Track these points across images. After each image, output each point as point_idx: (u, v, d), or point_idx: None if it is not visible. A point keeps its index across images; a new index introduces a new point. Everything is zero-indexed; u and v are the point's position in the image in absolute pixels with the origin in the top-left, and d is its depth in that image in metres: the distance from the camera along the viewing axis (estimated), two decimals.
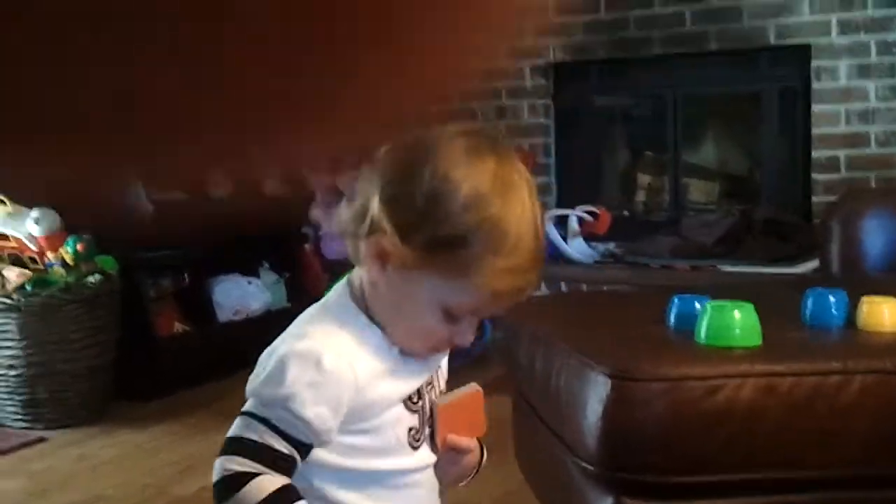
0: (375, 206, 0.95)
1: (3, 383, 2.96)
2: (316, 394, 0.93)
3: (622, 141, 4.34)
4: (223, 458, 0.93)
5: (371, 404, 0.97)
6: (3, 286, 2.95)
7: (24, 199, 3.15)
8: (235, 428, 0.95)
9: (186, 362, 3.29)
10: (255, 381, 0.96)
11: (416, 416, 1.02)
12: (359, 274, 1.02)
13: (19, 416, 2.98)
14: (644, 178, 4.20)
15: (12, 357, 2.93)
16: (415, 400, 1.02)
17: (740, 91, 4.05)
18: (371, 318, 1.00)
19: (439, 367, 1.08)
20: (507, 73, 4.17)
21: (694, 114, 4.08)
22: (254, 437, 0.93)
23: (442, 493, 1.09)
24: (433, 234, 0.93)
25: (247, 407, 0.96)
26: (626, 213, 4.12)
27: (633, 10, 3.90)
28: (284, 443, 0.93)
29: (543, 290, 3.82)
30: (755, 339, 1.56)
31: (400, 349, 1.00)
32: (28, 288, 2.96)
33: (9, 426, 2.98)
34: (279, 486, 0.92)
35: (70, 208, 3.16)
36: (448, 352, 1.10)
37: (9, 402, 2.98)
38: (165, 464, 2.60)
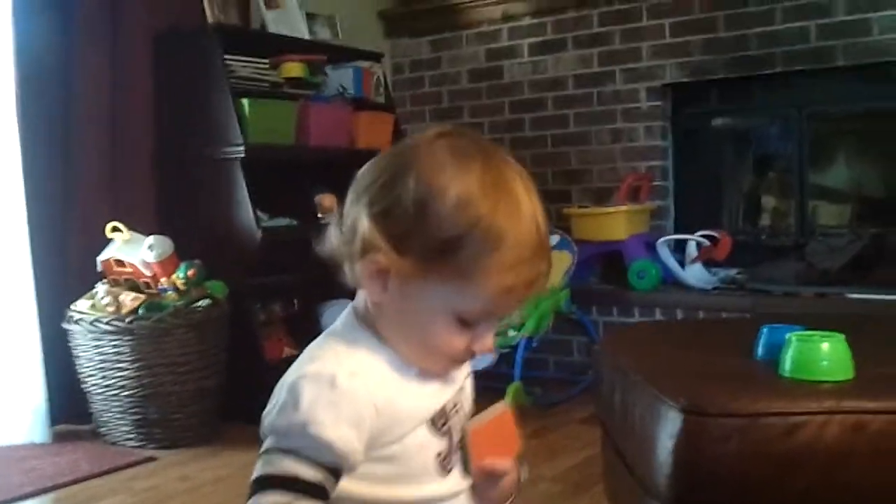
0: (365, 223, 0.92)
1: (116, 403, 3.07)
2: (335, 414, 0.89)
3: (744, 163, 4.16)
4: (251, 500, 0.89)
5: (393, 425, 0.93)
6: (119, 310, 3.06)
7: (140, 226, 3.27)
8: (257, 470, 0.91)
9: None
10: (268, 416, 0.92)
11: (444, 440, 0.97)
12: (361, 297, 0.98)
13: (131, 436, 3.08)
14: (768, 201, 4.01)
15: (125, 378, 3.03)
16: (441, 423, 0.97)
17: (872, 107, 3.80)
18: (381, 339, 0.96)
19: (463, 388, 1.03)
20: (622, 95, 4.07)
21: (821, 133, 3.87)
22: (277, 472, 0.89)
23: None
24: (427, 241, 0.90)
25: (265, 445, 0.91)
26: (748, 237, 3.93)
27: (754, 28, 3.73)
28: (312, 471, 0.88)
29: (659, 316, 3.69)
30: (845, 372, 1.44)
31: (419, 368, 0.96)
32: (141, 312, 3.06)
33: (121, 444, 3.09)
34: None
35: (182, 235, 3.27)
36: (471, 372, 1.06)
37: (121, 422, 3.08)
38: None
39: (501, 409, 1.03)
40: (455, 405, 1.00)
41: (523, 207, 0.91)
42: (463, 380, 1.03)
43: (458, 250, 0.89)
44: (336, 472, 0.90)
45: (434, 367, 0.97)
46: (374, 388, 0.92)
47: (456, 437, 0.99)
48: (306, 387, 0.90)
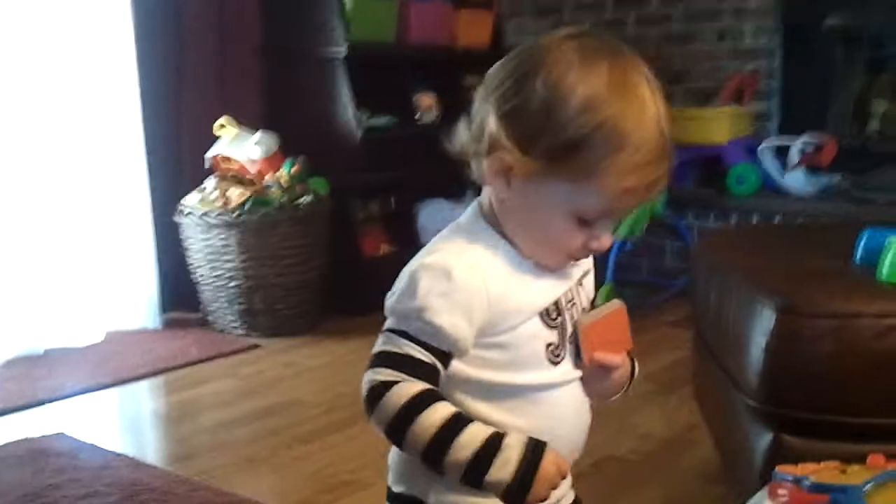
0: (492, 123, 0.95)
1: (223, 293, 3.22)
2: (448, 303, 0.94)
3: (856, 64, 3.98)
4: (368, 371, 0.97)
5: (505, 316, 0.98)
6: (226, 204, 3.18)
7: (247, 123, 3.36)
8: (378, 344, 0.98)
9: (390, 281, 3.42)
10: (390, 298, 0.99)
11: (554, 331, 1.01)
12: (486, 193, 1.02)
13: (237, 324, 3.24)
14: (879, 105, 3.85)
15: (232, 269, 3.17)
16: (553, 316, 1.01)
17: None
18: (502, 234, 1.00)
19: (581, 284, 1.06)
20: None
21: None
22: (394, 349, 0.96)
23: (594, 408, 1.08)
24: (553, 141, 0.92)
25: (386, 324, 0.99)
26: (854, 142, 3.81)
27: None
28: (424, 351, 0.95)
29: (755, 222, 3.64)
30: None
31: (535, 263, 1.00)
32: (247, 206, 3.17)
33: (228, 332, 3.25)
34: (420, 389, 0.94)
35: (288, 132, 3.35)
36: (592, 269, 1.09)
37: (228, 312, 3.24)
38: (361, 375, 2.74)
39: (617, 307, 1.06)
40: (570, 300, 1.04)
41: (648, 110, 0.93)
42: (580, 276, 1.06)
43: (582, 150, 0.91)
44: (447, 356, 0.96)
45: (550, 263, 1.01)
46: (490, 280, 0.96)
47: (569, 330, 1.03)
48: (424, 276, 0.96)
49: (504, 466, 0.92)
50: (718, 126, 3.75)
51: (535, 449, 0.93)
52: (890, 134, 3.84)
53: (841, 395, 1.37)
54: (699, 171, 3.94)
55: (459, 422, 0.93)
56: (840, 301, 1.40)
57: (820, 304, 1.40)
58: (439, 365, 0.96)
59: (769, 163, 3.70)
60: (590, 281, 1.09)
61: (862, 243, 1.62)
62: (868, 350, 1.35)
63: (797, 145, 3.66)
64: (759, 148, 3.72)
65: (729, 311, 1.61)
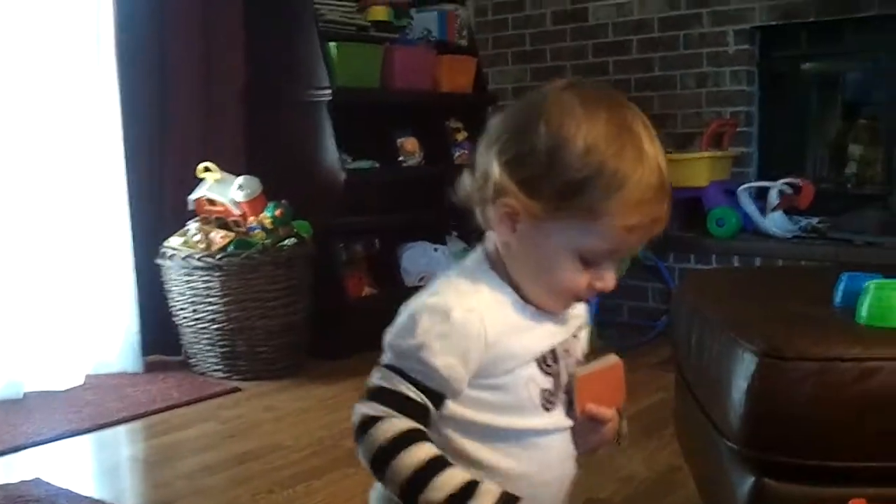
0: (496, 169, 0.98)
1: (205, 336, 3.20)
2: (445, 344, 0.96)
3: (832, 109, 4.06)
4: (359, 404, 0.98)
5: (502, 359, 0.99)
6: (209, 247, 3.18)
7: (231, 166, 3.37)
8: (372, 378, 1.00)
9: (374, 324, 3.41)
10: (389, 335, 1.01)
11: (550, 378, 1.03)
12: (491, 238, 1.04)
13: (218, 368, 3.22)
14: (855, 149, 3.92)
15: (214, 312, 3.16)
16: (549, 362, 1.04)
17: None
18: (506, 279, 1.02)
19: (576, 336, 1.09)
20: (708, 38, 4.01)
21: None
22: (388, 385, 0.97)
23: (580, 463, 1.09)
24: (557, 184, 0.96)
25: (383, 358, 1.00)
26: (832, 186, 3.86)
27: None
28: (416, 391, 0.97)
29: (736, 265, 3.67)
30: None
31: (536, 308, 1.02)
32: (230, 249, 3.17)
33: (209, 375, 3.23)
34: (407, 427, 0.95)
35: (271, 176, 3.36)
36: (586, 323, 1.11)
37: (210, 354, 3.22)
38: (344, 419, 2.69)
39: (613, 361, 1.08)
40: (566, 350, 1.06)
41: (646, 151, 0.97)
42: (577, 328, 1.09)
43: (586, 192, 0.95)
44: (440, 397, 0.98)
45: (554, 306, 1.03)
46: (489, 324, 0.98)
47: (563, 379, 1.05)
48: (424, 316, 0.97)
49: None
50: (699, 169, 3.80)
51: (507, 501, 0.94)
52: (866, 177, 3.90)
53: (823, 439, 1.37)
54: (680, 214, 3.97)
55: (440, 463, 0.94)
56: (821, 345, 1.40)
57: (801, 347, 1.40)
58: (431, 406, 0.97)
59: (748, 205, 3.74)
60: (585, 334, 1.12)
61: (841, 287, 1.63)
62: (849, 393, 1.36)
63: (776, 188, 3.70)
64: (738, 190, 3.76)
65: (710, 354, 1.62)
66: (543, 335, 1.03)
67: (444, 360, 0.96)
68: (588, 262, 0.99)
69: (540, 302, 1.02)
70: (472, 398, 1.00)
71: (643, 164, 0.96)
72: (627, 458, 2.38)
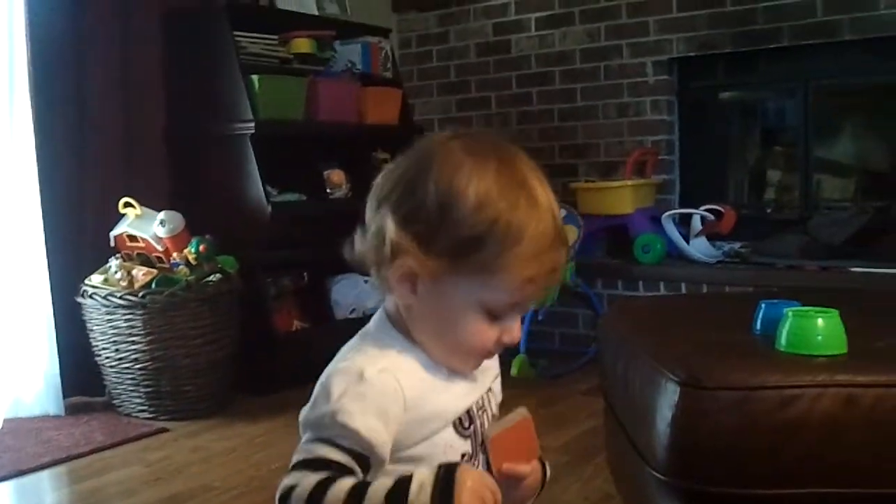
0: (391, 228, 0.95)
1: (129, 376, 3.12)
2: (362, 405, 0.93)
3: (750, 137, 4.18)
4: (284, 480, 0.93)
5: (420, 424, 0.97)
6: (131, 284, 3.11)
7: (152, 202, 3.31)
8: (293, 459, 0.95)
9: (304, 359, 3.37)
10: (304, 412, 0.97)
11: (468, 441, 1.01)
12: (392, 300, 1.01)
13: (143, 408, 3.14)
14: (773, 175, 4.03)
15: (138, 351, 3.08)
16: (466, 424, 1.02)
17: (877, 81, 3.81)
18: (412, 340, 1.00)
19: (490, 389, 1.07)
20: (628, 69, 4.08)
21: (827, 107, 3.88)
22: (307, 455, 0.93)
23: None
24: (452, 240, 0.93)
25: (302, 440, 0.96)
26: (752, 211, 3.96)
27: (761, 2, 3.74)
28: (340, 453, 0.92)
29: (663, 290, 3.73)
30: (839, 347, 1.47)
31: (447, 369, 1.00)
32: (153, 286, 3.10)
33: (134, 416, 3.15)
34: (323, 476, 0.90)
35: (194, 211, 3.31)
36: (499, 375, 1.10)
37: (134, 394, 3.14)
38: (274, 457, 2.68)
39: (522, 416, 1.06)
40: (481, 407, 1.04)
41: (540, 201, 0.95)
42: (491, 381, 1.07)
43: (483, 247, 0.93)
44: (364, 461, 0.93)
45: (464, 366, 1.01)
46: (405, 384, 0.95)
47: (479, 439, 1.03)
48: (337, 380, 0.95)
49: (421, 489, 0.90)
50: (623, 197, 3.86)
51: (448, 467, 0.92)
52: (784, 202, 4.01)
53: (746, 468, 1.39)
54: (607, 241, 4.04)
55: (363, 484, 0.91)
56: (742, 373, 1.42)
57: (722, 376, 1.42)
58: (356, 466, 0.93)
59: (672, 232, 3.81)
60: (498, 384, 1.10)
61: (760, 315, 1.66)
62: (772, 421, 1.38)
63: (698, 214, 3.78)
64: (663, 217, 3.83)
65: (635, 383, 1.63)
66: (459, 395, 1.01)
67: (364, 422, 0.92)
68: (493, 316, 0.97)
69: (449, 363, 1.00)
70: (393, 473, 0.94)
71: (538, 215, 0.94)
72: (562, 486, 2.38)
